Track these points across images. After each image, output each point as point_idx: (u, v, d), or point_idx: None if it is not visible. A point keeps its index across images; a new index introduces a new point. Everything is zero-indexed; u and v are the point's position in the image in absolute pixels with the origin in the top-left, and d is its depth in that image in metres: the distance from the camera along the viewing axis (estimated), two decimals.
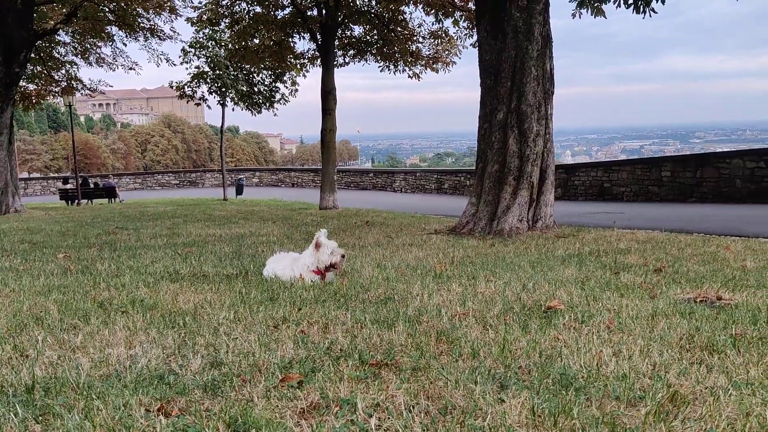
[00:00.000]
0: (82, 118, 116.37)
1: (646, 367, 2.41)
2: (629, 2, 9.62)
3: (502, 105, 9.39)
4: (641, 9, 9.55)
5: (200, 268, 5.89)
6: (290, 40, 20.20)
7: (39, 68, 23.40)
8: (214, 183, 40.27)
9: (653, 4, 9.48)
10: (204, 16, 18.47)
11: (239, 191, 31.16)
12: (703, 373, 2.34)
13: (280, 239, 9.22)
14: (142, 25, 20.89)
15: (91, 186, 31.18)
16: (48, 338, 3.13)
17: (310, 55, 21.20)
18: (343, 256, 4.78)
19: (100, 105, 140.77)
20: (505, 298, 3.69)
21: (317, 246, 4.66)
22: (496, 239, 8.41)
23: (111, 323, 3.40)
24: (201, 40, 26.13)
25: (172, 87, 27.39)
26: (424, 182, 29.34)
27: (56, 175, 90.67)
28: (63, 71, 24.50)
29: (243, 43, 19.32)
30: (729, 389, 2.19)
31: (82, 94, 25.53)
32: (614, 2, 9.77)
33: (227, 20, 19.25)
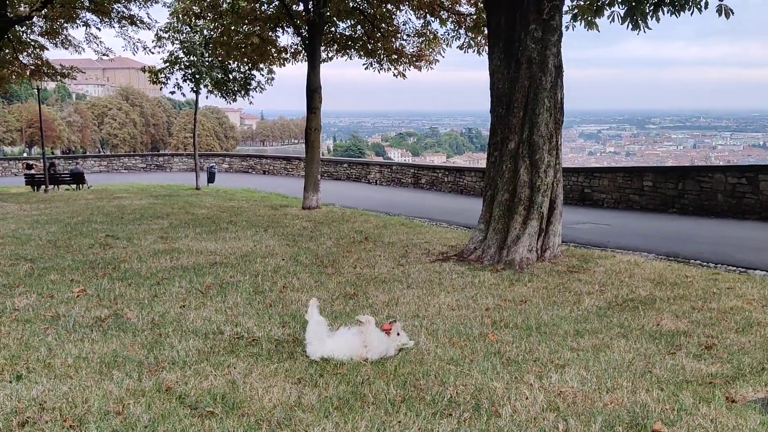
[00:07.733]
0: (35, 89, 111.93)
1: None
2: (624, 17, 9.44)
3: (514, 135, 9.46)
4: (637, 24, 9.36)
5: (240, 324, 5.84)
6: (274, 34, 19.83)
7: (5, 50, 22.44)
8: (182, 167, 39.58)
9: (649, 22, 9.40)
10: (191, 10, 17.88)
11: (211, 179, 30.69)
12: None
13: (291, 265, 9.11)
14: (120, 13, 20.24)
15: (59, 171, 30.40)
16: None
17: (293, 50, 20.85)
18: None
19: None
20: (594, 405, 3.78)
21: (388, 332, 4.70)
22: (509, 272, 8.54)
23: None
24: (175, 24, 25.38)
25: (144, 71, 26.58)
26: (400, 176, 29.33)
27: (10, 150, 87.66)
28: (29, 52, 23.57)
29: (226, 38, 18.84)
30: None
31: (52, 80, 24.59)
32: (608, 17, 9.67)
33: (210, 14, 18.75)
